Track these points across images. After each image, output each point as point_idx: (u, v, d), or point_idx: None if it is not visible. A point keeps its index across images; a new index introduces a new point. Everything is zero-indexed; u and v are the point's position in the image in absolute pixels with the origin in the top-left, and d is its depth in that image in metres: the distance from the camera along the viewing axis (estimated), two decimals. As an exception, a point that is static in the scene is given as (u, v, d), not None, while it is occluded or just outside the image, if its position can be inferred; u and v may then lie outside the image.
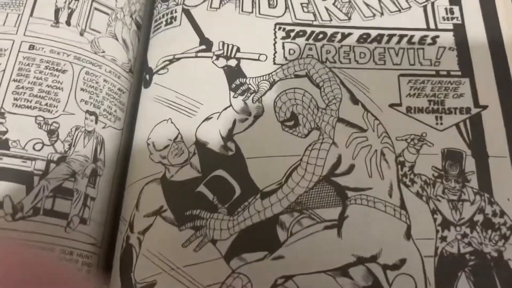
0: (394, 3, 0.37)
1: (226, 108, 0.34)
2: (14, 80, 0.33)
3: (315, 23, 0.37)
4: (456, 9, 0.37)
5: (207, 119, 0.34)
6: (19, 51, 0.34)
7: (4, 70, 0.33)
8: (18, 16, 0.35)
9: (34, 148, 0.32)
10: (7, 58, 0.34)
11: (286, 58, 0.35)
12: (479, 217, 0.31)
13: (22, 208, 0.30)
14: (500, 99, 0.34)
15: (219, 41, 0.36)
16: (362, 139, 0.33)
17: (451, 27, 0.36)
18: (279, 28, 0.36)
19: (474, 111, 0.33)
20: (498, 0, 0.37)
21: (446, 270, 0.30)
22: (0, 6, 0.35)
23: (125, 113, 0.37)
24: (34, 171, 0.31)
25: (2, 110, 0.32)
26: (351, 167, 0.32)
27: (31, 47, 0.34)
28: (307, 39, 0.36)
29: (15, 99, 0.32)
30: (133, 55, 0.39)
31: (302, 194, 0.31)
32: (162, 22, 0.39)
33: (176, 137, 0.33)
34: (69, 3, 0.36)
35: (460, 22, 0.37)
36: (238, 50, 0.36)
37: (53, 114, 0.33)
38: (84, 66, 0.35)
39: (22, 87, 0.33)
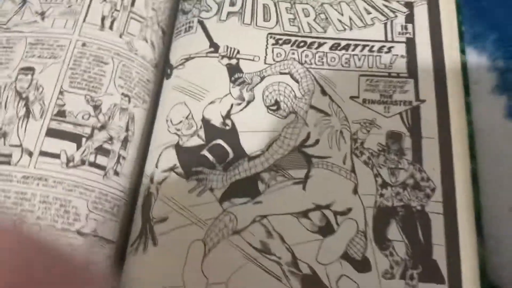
0: (361, 20, 0.48)
1: (226, 95, 0.44)
2: (70, 68, 0.44)
3: (298, 34, 0.47)
4: (409, 26, 0.47)
5: (212, 102, 0.44)
6: (74, 47, 0.45)
7: (63, 61, 0.45)
8: (75, 21, 0.47)
9: (83, 118, 0.43)
10: (66, 52, 0.45)
11: (274, 60, 0.46)
12: (410, 181, 0.40)
13: (73, 159, 0.41)
14: (436, 95, 0.44)
15: (224, 45, 0.47)
16: (327, 121, 0.43)
17: (404, 39, 0.46)
18: (271, 37, 0.47)
19: (414, 103, 0.43)
20: (443, 19, 0.47)
21: (381, 217, 0.39)
22: (62, 14, 0.47)
23: (150, 98, 0.49)
24: (83, 134, 0.42)
25: (62, 89, 0.43)
26: (317, 141, 0.42)
27: (83, 44, 0.46)
28: (291, 46, 0.47)
29: (71, 82, 0.44)
30: (158, 54, 0.50)
31: (278, 159, 0.42)
32: (181, 30, 0.50)
33: (188, 115, 0.44)
34: (112, 13, 0.48)
35: (411, 36, 0.47)
36: (238, 52, 0.46)
37: (98, 94, 0.44)
38: (122, 60, 0.46)
39: (76, 74, 0.44)
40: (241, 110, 0.44)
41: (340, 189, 0.40)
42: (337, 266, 0.38)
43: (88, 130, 0.42)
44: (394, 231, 0.39)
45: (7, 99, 0.43)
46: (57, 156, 0.41)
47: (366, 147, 0.42)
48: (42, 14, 0.47)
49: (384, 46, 0.46)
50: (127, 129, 0.45)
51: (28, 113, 0.42)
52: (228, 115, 0.43)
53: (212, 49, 0.47)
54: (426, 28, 0.47)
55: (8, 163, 0.40)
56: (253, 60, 0.46)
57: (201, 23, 0.48)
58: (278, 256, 0.38)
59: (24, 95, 0.43)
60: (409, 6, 0.48)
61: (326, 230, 0.39)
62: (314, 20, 0.48)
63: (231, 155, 0.42)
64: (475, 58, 0.46)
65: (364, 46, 0.46)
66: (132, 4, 0.49)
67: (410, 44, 0.46)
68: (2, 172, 0.40)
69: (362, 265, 0.38)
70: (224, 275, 0.38)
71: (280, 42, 0.47)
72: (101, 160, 0.42)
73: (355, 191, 0.40)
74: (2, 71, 0.44)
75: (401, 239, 0.39)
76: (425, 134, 0.42)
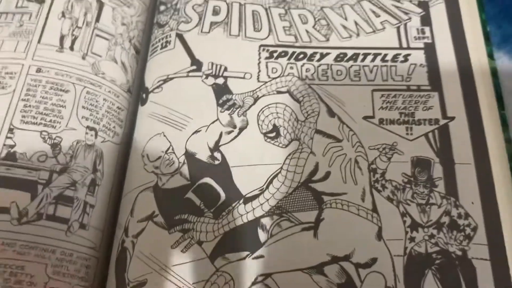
0: (369, 24, 0.40)
1: (213, 122, 0.37)
2: (22, 100, 0.36)
3: (296, 44, 0.40)
4: (427, 29, 0.40)
5: (196, 132, 0.37)
6: (27, 74, 0.37)
7: (14, 91, 0.37)
8: (27, 43, 0.39)
9: (38, 160, 0.35)
10: (17, 80, 0.37)
11: (269, 76, 0.38)
12: (446, 219, 0.33)
13: (27, 214, 0.33)
14: (466, 111, 0.36)
15: (209, 62, 0.39)
16: (338, 148, 0.35)
17: (422, 45, 0.39)
18: (263, 49, 0.40)
19: (442, 122, 0.36)
20: (465, 19, 0.40)
21: (414, 268, 0.32)
22: (12, 35, 0.39)
23: (124, 129, 0.41)
24: (38, 180, 0.34)
25: (11, 126, 0.35)
26: (327, 174, 0.35)
27: (38, 70, 0.38)
28: (289, 59, 0.39)
29: (23, 116, 0.36)
30: (131, 76, 0.43)
31: (281, 199, 0.34)
32: (158, 46, 0.42)
33: (168, 149, 0.36)
34: (73, 31, 0.40)
35: (430, 41, 0.39)
36: (225, 69, 0.39)
37: (57, 129, 0.36)
38: (85, 86, 0.38)
39: (30, 106, 0.36)
40: (233, 139, 0.36)
41: (360, 235, 0.33)
42: (363, 333, 0.30)
43: (45, 175, 0.34)
44: (431, 285, 0.31)
45: None
46: (6, 211, 0.33)
47: (388, 179, 0.34)
48: (-12, 36, 0.39)
49: (399, 54, 0.39)
50: (94, 170, 0.37)
51: (-31, 158, 0.34)
52: (216, 147, 0.36)
53: (194, 67, 0.39)
54: (446, 30, 0.40)
55: None
56: (243, 78, 0.38)
57: (179, 37, 0.41)
58: (288, 324, 0.30)
59: (-36, 136, 0.35)
60: (424, 5, 0.41)
61: (346, 288, 0.31)
62: (313, 27, 0.40)
63: (222, 197, 0.34)
64: (506, 63, 0.39)
65: (376, 55, 0.39)
66: (97, 19, 0.42)
67: (430, 50, 0.39)
68: None
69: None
70: None
71: (275, 55, 0.39)
72: (62, 211, 0.34)
73: (379, 236, 0.33)
74: None
75: (441, 294, 0.31)
76: (458, 159, 0.35)
